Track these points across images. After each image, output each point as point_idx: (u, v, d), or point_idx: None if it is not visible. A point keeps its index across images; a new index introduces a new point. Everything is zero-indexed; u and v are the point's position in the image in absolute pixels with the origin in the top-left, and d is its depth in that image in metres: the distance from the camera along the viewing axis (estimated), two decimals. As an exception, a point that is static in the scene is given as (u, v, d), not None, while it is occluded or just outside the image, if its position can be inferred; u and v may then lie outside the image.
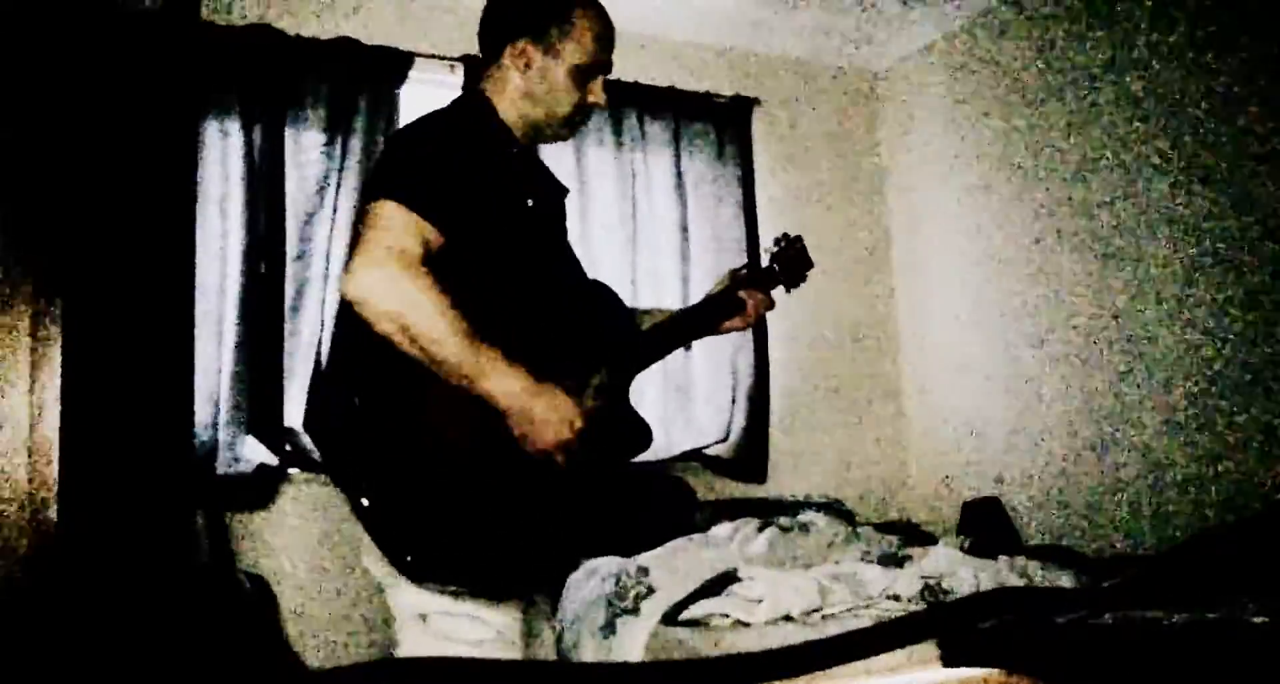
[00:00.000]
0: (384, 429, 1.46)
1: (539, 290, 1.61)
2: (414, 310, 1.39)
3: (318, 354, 3.00)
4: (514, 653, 1.53)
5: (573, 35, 1.61)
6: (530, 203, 1.65)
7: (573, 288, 1.71)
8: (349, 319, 1.47)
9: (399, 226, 1.42)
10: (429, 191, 1.46)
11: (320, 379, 1.58)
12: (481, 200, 1.52)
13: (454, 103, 1.70)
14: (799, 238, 1.94)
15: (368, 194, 1.52)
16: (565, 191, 1.87)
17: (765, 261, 1.92)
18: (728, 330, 1.85)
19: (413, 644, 1.54)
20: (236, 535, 2.93)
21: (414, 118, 1.66)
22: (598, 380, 1.60)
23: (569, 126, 1.69)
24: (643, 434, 1.70)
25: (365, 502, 1.45)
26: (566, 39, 1.61)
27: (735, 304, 1.82)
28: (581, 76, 1.63)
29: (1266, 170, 2.75)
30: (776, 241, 1.92)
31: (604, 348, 1.64)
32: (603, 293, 1.80)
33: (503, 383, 1.43)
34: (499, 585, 1.52)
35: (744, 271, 1.87)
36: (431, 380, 1.44)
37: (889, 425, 4.08)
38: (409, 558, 1.45)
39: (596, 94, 1.66)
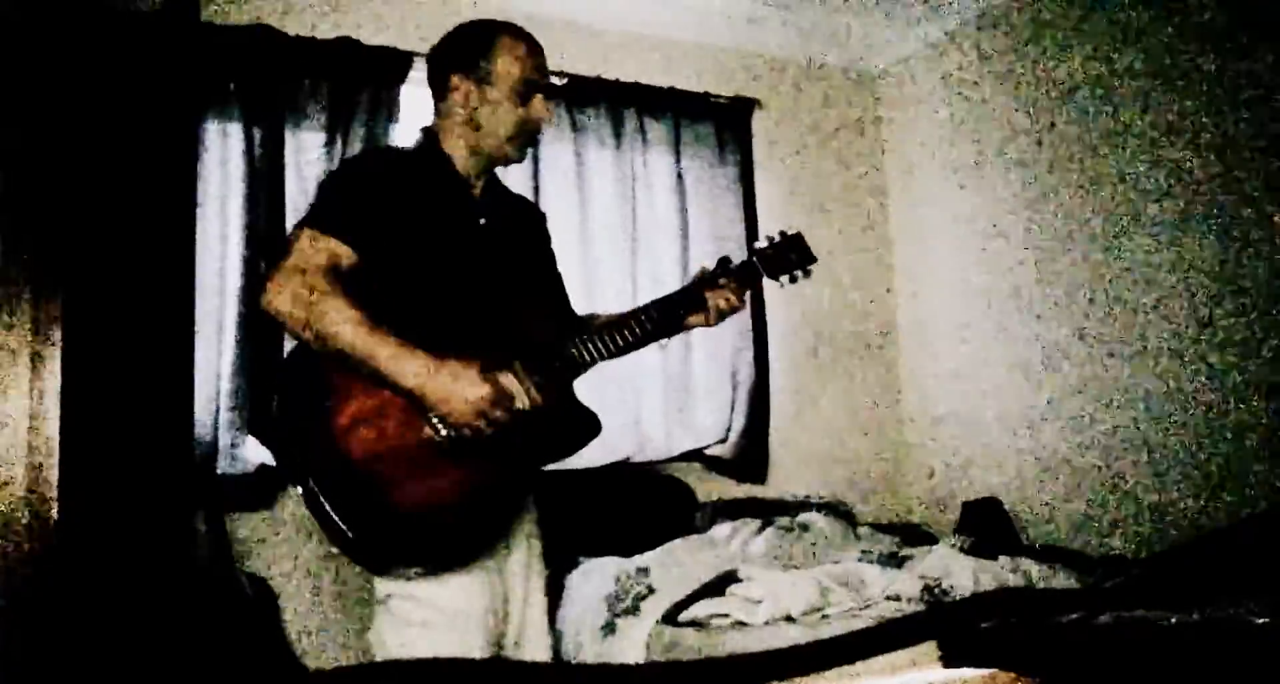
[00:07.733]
0: (305, 424, 1.59)
1: (466, 294, 1.70)
2: (314, 312, 1.54)
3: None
4: (470, 637, 1.60)
5: (500, 63, 1.74)
6: (483, 221, 1.79)
7: (512, 292, 1.77)
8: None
9: (304, 247, 1.59)
10: (341, 215, 1.63)
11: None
12: (406, 219, 1.67)
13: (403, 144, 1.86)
14: (796, 234, 1.95)
15: None
16: (541, 215, 2.01)
17: (747, 257, 1.93)
18: (691, 327, 1.89)
19: (377, 627, 1.65)
20: (236, 535, 2.92)
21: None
22: (517, 367, 1.65)
23: (516, 147, 1.79)
24: (588, 424, 1.75)
25: (300, 489, 1.55)
26: (495, 68, 1.74)
27: (695, 301, 1.85)
28: (518, 96, 1.75)
29: (1273, 166, 2.75)
30: (768, 237, 1.94)
31: (528, 343, 1.70)
32: (556, 299, 1.93)
33: (402, 364, 1.55)
34: (433, 561, 1.59)
35: (714, 269, 1.89)
36: (349, 378, 1.58)
37: (889, 426, 4.08)
38: (345, 541, 1.53)
39: (539, 110, 1.77)
